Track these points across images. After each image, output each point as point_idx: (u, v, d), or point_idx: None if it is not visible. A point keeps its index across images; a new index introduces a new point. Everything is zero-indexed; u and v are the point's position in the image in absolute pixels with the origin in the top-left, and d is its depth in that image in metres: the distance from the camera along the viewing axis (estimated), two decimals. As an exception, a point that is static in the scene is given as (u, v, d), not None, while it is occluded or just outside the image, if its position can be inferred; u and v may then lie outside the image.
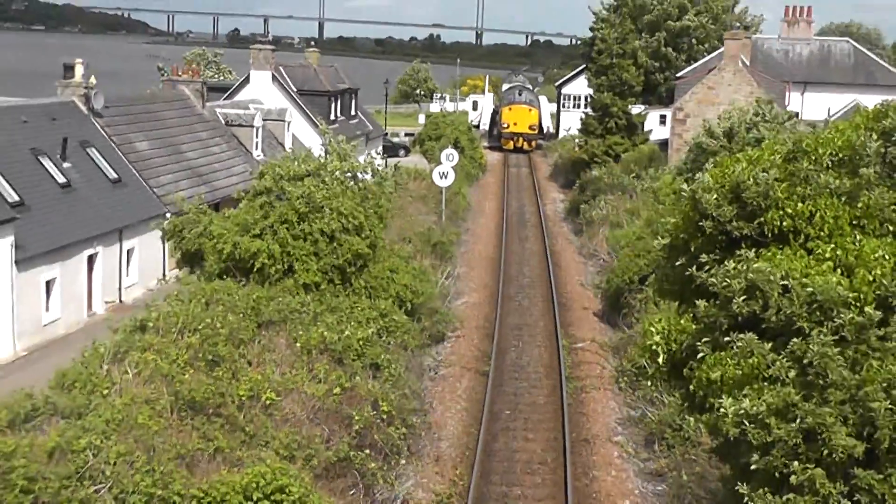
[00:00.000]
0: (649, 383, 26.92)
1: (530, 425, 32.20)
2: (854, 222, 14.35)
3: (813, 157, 15.16)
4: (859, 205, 14.37)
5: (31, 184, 38.16)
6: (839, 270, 13.63)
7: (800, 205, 14.43)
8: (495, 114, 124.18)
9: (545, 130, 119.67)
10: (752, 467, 13.53)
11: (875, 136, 15.08)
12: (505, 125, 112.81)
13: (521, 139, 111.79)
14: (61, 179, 40.31)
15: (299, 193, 32.84)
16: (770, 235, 14.58)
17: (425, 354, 36.57)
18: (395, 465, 27.41)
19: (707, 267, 14.65)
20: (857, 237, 14.09)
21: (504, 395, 34.65)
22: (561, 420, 31.90)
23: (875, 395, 12.73)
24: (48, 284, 37.14)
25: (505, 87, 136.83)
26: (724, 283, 14.08)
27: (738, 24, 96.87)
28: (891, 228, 14.05)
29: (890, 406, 12.71)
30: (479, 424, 31.39)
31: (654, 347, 15.47)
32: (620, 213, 58.25)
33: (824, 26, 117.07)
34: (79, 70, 47.43)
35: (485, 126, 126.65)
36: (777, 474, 13.41)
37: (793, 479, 13.23)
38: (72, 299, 38.73)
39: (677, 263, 15.81)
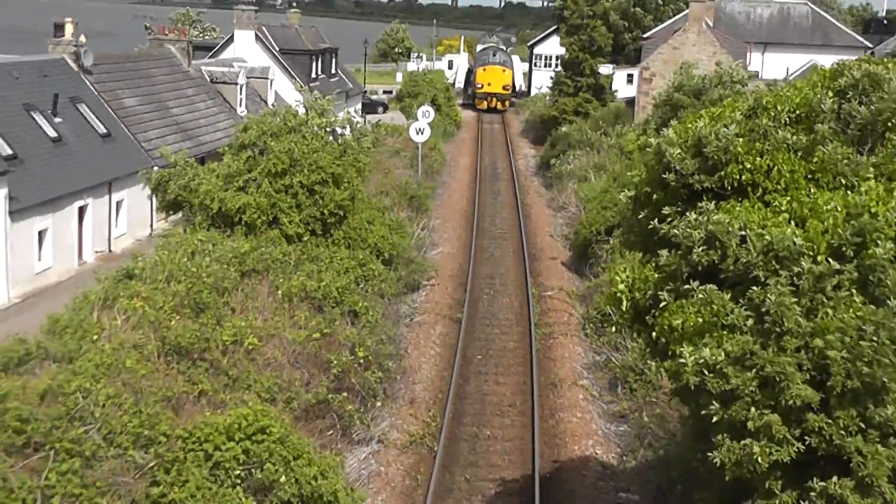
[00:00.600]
0: (614, 330, 27.07)
1: (501, 370, 32.30)
2: (809, 176, 14.31)
3: (772, 114, 15.10)
4: (814, 159, 14.32)
5: (23, 138, 38.06)
6: (794, 222, 13.60)
7: (758, 159, 14.38)
8: (470, 73, 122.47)
9: (518, 89, 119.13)
10: (714, 419, 13.52)
11: (831, 94, 15.03)
12: (479, 85, 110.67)
13: (494, 99, 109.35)
14: (53, 134, 40.19)
15: (282, 148, 32.71)
16: (730, 189, 14.54)
17: (401, 302, 36.60)
18: (371, 407, 27.47)
19: (669, 219, 14.60)
20: (812, 190, 14.06)
21: (476, 341, 34.74)
22: (529, 364, 32.03)
23: (830, 344, 12.71)
24: (40, 234, 37.10)
25: (479, 48, 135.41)
26: (686, 234, 14.03)
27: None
28: (843, 182, 14.00)
29: (843, 354, 12.71)
30: (452, 369, 31.49)
31: (618, 295, 15.42)
32: (589, 168, 58.31)
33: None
34: (69, 29, 47.14)
35: (460, 84, 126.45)
36: (736, 423, 13.42)
37: (750, 424, 13.23)
38: (63, 249, 38.66)
39: (641, 215, 15.77)
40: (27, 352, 21.70)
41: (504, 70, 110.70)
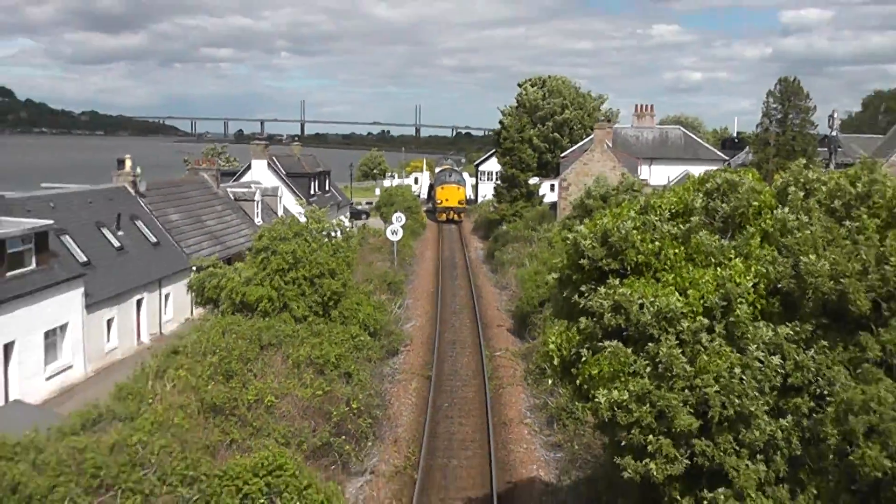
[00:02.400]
0: (549, 380, 27.06)
1: (463, 413, 32.16)
2: (688, 257, 14.55)
3: (657, 212, 15.39)
4: (691, 244, 14.57)
5: (95, 248, 38.55)
6: (678, 292, 13.82)
7: (649, 245, 14.61)
8: (431, 188, 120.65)
9: (468, 199, 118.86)
10: (622, 443, 13.63)
11: (700, 195, 15.35)
12: (439, 201, 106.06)
13: (452, 212, 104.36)
14: (117, 244, 40.56)
15: (287, 250, 32.95)
16: (629, 269, 14.74)
17: (385, 364, 36.48)
18: (364, 446, 27.32)
19: (585, 294, 14.78)
20: (690, 268, 14.29)
21: (443, 392, 34.60)
22: (485, 409, 31.90)
23: (707, 383, 12.89)
24: (109, 322, 37.29)
25: (437, 169, 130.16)
26: (598, 304, 14.21)
27: (603, 118, 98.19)
28: (713, 261, 14.24)
29: (717, 390, 12.88)
30: (426, 414, 31.32)
31: (551, 354, 15.51)
32: (524, 256, 58.50)
33: (662, 118, 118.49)
34: (128, 163, 47.59)
35: (423, 196, 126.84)
36: (638, 445, 13.52)
37: (649, 447, 13.34)
38: (126, 332, 38.69)
39: (564, 292, 15.93)
40: (99, 414, 21.92)
41: (459, 188, 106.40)
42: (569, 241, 16.01)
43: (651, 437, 13.28)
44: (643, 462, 13.40)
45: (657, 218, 15.15)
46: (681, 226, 14.95)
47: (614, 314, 13.98)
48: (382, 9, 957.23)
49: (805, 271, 12.96)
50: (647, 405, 13.27)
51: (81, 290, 34.68)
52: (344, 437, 25.94)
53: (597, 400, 13.63)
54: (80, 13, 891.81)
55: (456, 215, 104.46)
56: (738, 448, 13.06)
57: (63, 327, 33.87)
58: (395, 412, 31.63)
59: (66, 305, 33.89)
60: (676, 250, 14.48)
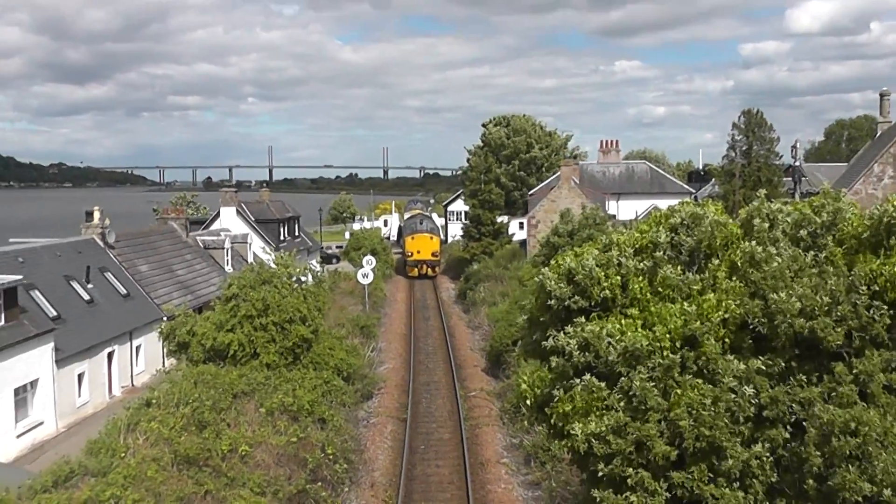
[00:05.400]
0: (524, 419, 27.00)
1: (440, 455, 31.96)
2: (654, 292, 14.64)
3: (621, 248, 15.48)
4: (657, 279, 14.67)
5: (64, 301, 38.13)
6: (645, 327, 13.88)
7: (614, 280, 14.71)
8: (400, 232, 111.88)
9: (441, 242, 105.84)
10: (600, 474, 13.61)
11: (665, 230, 15.47)
12: (409, 254, 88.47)
13: (425, 266, 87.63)
14: (86, 297, 40.23)
15: (257, 297, 32.86)
16: (596, 305, 14.81)
17: (359, 409, 36.26)
18: (340, 492, 27.08)
19: (555, 333, 14.83)
20: (657, 302, 14.38)
21: (419, 434, 34.41)
22: (462, 450, 31.73)
23: (681, 415, 12.92)
24: (80, 376, 36.84)
25: (406, 215, 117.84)
26: (567, 343, 14.26)
27: (569, 155, 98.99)
28: (679, 295, 14.34)
29: (692, 423, 12.91)
30: (402, 458, 31.10)
31: (524, 393, 15.53)
32: (495, 295, 58.54)
33: (628, 153, 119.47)
34: (96, 215, 47.31)
35: (394, 237, 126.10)
36: (617, 478, 13.50)
37: (629, 480, 13.33)
38: (97, 386, 38.21)
39: (535, 336, 15.98)
40: (71, 470, 21.74)
41: (431, 237, 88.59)
42: (537, 282, 16.07)
43: (630, 469, 13.30)
44: (624, 496, 13.39)
45: (620, 254, 15.26)
46: (646, 261, 15.06)
47: (583, 352, 14.03)
48: (347, 52, 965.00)
49: (776, 310, 13.05)
50: (625, 436, 13.30)
51: (52, 345, 34.33)
52: (320, 483, 25.72)
53: (573, 433, 13.64)
54: (47, 65, 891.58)
55: (430, 269, 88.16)
56: (714, 477, 13.09)
57: (33, 383, 33.46)
58: (370, 456, 31.37)
59: (37, 361, 33.50)
60: (642, 285, 14.58)
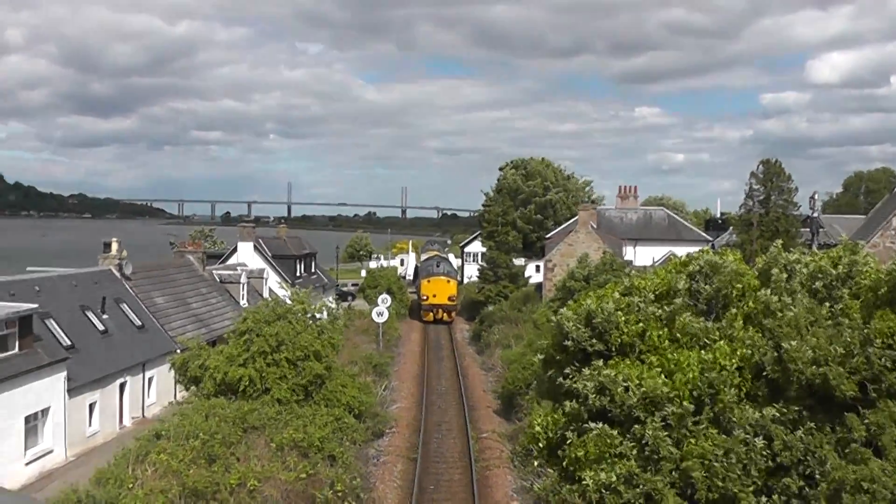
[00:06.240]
0: (535, 462, 26.74)
1: (449, 496, 31.65)
2: (672, 339, 14.54)
3: (641, 293, 15.41)
4: (675, 325, 14.57)
5: (79, 331, 38.08)
6: (664, 374, 13.76)
7: (633, 327, 14.61)
8: (416, 273, 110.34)
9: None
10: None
11: (684, 277, 15.39)
12: (424, 297, 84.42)
13: (440, 311, 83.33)
14: (101, 328, 40.18)
15: (271, 332, 32.83)
16: (614, 350, 14.71)
17: (369, 447, 36.01)
18: (349, 531, 26.78)
19: (570, 375, 14.72)
20: (675, 349, 14.27)
21: (429, 474, 34.12)
22: (472, 491, 31.42)
23: (694, 466, 12.76)
24: (91, 406, 36.73)
25: (423, 256, 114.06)
26: (583, 385, 14.14)
27: (587, 199, 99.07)
28: (697, 342, 14.24)
29: (704, 473, 12.74)
30: (411, 498, 30.81)
31: (536, 436, 15.43)
32: (509, 337, 58.34)
33: (646, 199, 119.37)
34: (114, 246, 47.46)
35: (409, 277, 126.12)
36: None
37: (638, 530, 13.16)
38: (108, 416, 38.10)
39: (549, 374, 15.87)
40: (79, 499, 21.63)
41: (448, 281, 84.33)
42: (553, 324, 16.00)
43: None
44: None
45: (641, 299, 15.20)
46: (665, 307, 14.98)
47: (599, 396, 13.92)
48: (371, 92, 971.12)
49: (788, 358, 12.94)
50: (637, 487, 13.14)
51: (64, 374, 34.34)
52: (328, 521, 25.46)
53: (584, 482, 13.49)
54: (72, 97, 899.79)
55: (445, 314, 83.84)
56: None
57: (45, 411, 33.40)
58: (380, 495, 31.07)
59: (49, 389, 33.47)
60: (661, 332, 14.50)
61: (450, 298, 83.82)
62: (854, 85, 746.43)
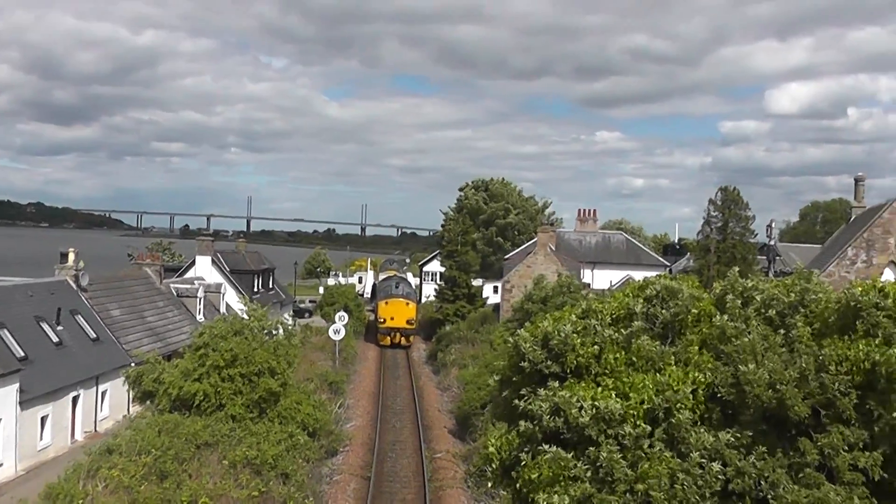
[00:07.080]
0: (489, 483, 26.69)
1: (402, 516, 31.55)
2: (628, 361, 14.60)
3: (598, 316, 15.47)
4: (632, 349, 14.64)
5: (33, 342, 37.61)
6: (619, 396, 13.81)
7: (590, 349, 14.65)
8: (374, 292, 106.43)
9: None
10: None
11: (641, 301, 15.49)
12: (381, 319, 79.74)
13: (398, 335, 78.94)
14: (55, 339, 39.72)
15: (227, 347, 32.62)
16: (569, 372, 14.74)
17: (323, 465, 35.79)
18: (300, 550, 26.56)
19: (526, 397, 14.72)
20: (631, 373, 14.33)
21: (383, 494, 33.96)
22: (425, 512, 31.34)
23: (654, 487, 12.80)
24: (43, 419, 36.24)
25: (382, 276, 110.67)
26: (538, 407, 14.14)
27: (546, 221, 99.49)
28: (653, 366, 14.31)
29: (660, 495, 12.78)
30: (364, 517, 30.67)
31: (490, 457, 15.37)
32: (466, 357, 58.38)
33: (605, 222, 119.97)
34: (71, 256, 46.90)
35: (367, 295, 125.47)
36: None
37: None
38: (60, 430, 37.58)
39: (504, 394, 15.86)
40: (26, 516, 21.03)
41: (408, 303, 79.62)
42: (510, 344, 16.01)
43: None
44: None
45: (598, 322, 15.25)
46: (622, 331, 15.05)
47: (553, 417, 13.92)
48: (334, 108, 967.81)
49: (744, 380, 13.05)
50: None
51: (16, 385, 33.74)
52: (280, 540, 25.25)
53: (538, 504, 13.46)
54: (33, 104, 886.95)
55: (403, 339, 79.34)
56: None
57: (-5, 423, 32.87)
58: (333, 515, 30.89)
59: (1, 401, 32.91)
60: (617, 354, 14.55)
61: (408, 322, 79.32)
62: (812, 116, 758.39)
